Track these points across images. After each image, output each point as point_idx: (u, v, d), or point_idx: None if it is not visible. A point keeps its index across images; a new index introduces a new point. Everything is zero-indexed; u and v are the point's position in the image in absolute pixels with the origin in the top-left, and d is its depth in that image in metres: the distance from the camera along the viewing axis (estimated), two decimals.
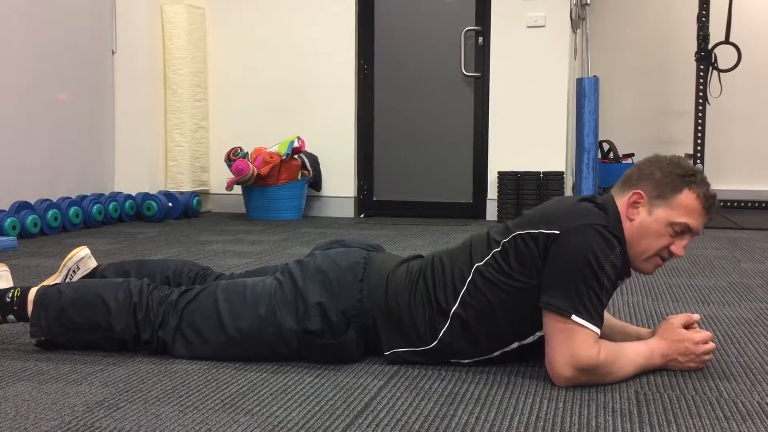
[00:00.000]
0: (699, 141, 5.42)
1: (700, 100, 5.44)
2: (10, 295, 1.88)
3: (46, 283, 2.31)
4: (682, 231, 1.68)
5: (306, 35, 5.33)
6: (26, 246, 3.74)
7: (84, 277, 2.22)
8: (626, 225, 1.70)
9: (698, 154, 5.41)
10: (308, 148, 5.19)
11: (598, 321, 1.60)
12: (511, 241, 1.68)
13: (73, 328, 1.84)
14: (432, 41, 5.25)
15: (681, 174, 1.68)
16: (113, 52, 5.06)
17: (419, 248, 3.64)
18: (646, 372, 1.70)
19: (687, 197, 1.66)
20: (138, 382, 1.65)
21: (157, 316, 1.81)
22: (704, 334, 1.74)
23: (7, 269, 2.04)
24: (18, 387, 1.62)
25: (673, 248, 1.68)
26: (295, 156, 5.06)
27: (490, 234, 1.76)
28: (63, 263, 2.22)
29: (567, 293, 1.59)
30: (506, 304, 1.68)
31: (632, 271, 1.76)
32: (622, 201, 1.72)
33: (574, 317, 1.58)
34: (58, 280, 2.26)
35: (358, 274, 1.78)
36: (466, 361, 1.77)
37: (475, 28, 5.15)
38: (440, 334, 1.73)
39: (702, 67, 5.42)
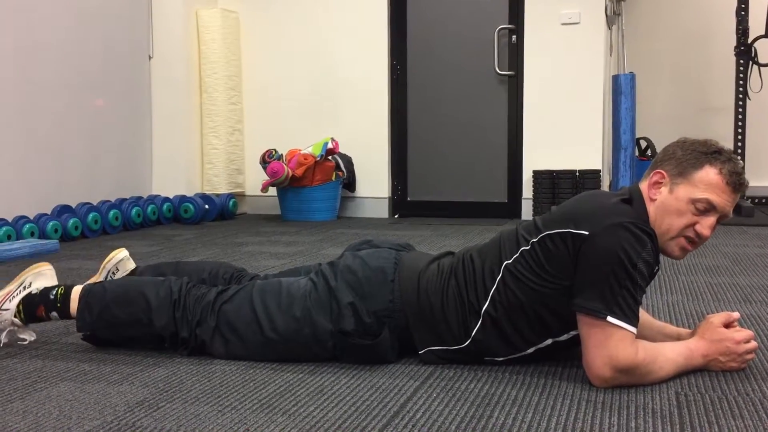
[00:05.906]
0: (739, 137, 5.31)
1: (740, 95, 5.33)
2: (54, 292, 1.93)
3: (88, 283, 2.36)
4: (705, 209, 1.63)
5: (339, 36, 5.35)
6: (68, 248, 3.82)
7: None
8: (649, 206, 1.68)
9: (739, 151, 5.30)
10: (342, 149, 5.21)
11: (633, 320, 1.58)
12: (540, 241, 1.66)
13: (116, 323, 1.89)
14: (465, 40, 5.23)
15: (703, 151, 1.65)
16: (150, 57, 5.14)
17: (454, 248, 3.62)
18: (687, 373, 1.68)
19: (708, 172, 1.63)
20: (177, 383, 1.67)
21: (195, 314, 1.84)
22: (745, 333, 1.71)
23: (51, 267, 2.09)
24: (61, 387, 1.66)
25: (698, 227, 1.64)
26: (329, 157, 5.08)
27: (519, 231, 1.74)
28: (103, 265, 2.26)
29: (601, 294, 1.56)
30: (537, 302, 1.67)
31: (665, 265, 1.72)
32: (644, 184, 1.71)
33: (609, 318, 1.55)
34: None
35: (388, 274, 1.78)
36: (500, 359, 1.76)
37: (509, 26, 5.12)
38: (473, 333, 1.72)
39: (742, 61, 5.31)
